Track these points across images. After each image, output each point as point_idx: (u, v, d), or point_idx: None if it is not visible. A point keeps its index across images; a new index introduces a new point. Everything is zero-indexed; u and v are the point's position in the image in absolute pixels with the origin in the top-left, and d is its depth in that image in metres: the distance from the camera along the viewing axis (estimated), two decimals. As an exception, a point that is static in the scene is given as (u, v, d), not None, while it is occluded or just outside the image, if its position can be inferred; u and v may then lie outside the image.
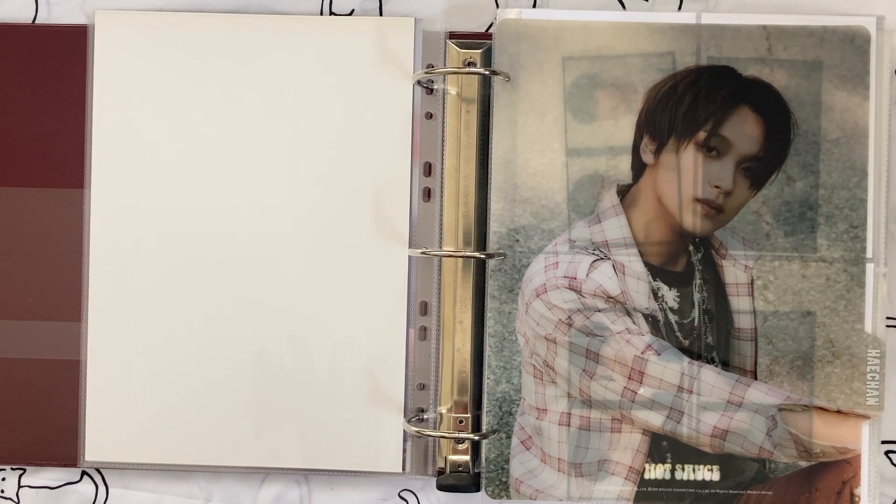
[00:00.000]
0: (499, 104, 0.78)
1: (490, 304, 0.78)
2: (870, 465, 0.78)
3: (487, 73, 0.78)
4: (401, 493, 0.81)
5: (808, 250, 0.78)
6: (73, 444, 0.80)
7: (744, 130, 0.77)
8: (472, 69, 0.78)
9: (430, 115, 0.80)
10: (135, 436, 0.80)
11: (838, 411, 0.78)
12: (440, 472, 0.79)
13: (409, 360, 0.80)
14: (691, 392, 0.77)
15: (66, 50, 0.80)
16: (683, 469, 0.78)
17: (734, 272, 0.78)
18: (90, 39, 0.80)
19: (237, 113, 0.80)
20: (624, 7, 0.80)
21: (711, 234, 0.78)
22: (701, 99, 0.78)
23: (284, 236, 0.79)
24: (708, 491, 0.78)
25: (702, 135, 0.78)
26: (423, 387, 0.80)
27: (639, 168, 0.78)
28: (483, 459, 0.79)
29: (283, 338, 0.79)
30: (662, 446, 0.78)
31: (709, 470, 0.78)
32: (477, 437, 0.78)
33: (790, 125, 0.78)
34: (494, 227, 0.78)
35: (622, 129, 0.78)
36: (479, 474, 0.79)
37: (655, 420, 0.78)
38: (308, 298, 0.79)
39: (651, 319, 0.78)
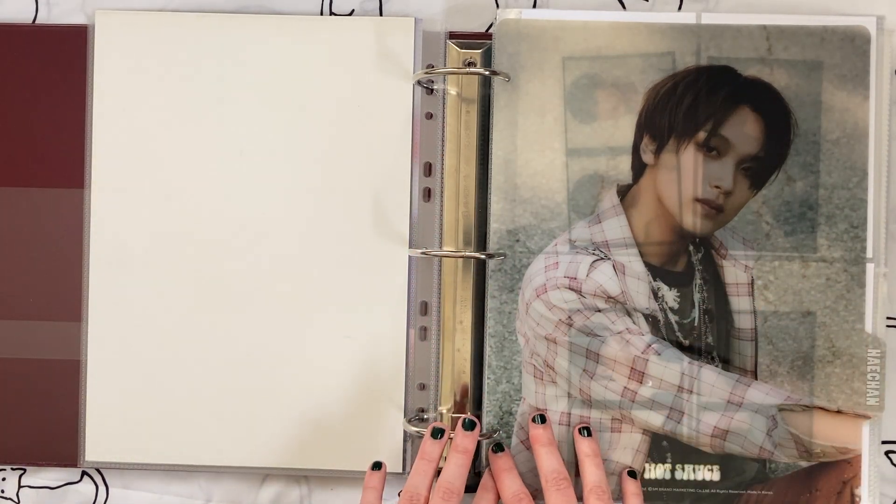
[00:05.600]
0: (499, 104, 0.78)
1: (490, 304, 0.78)
2: (870, 465, 0.78)
3: (487, 73, 0.78)
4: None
5: (808, 250, 0.78)
6: (73, 444, 0.80)
7: (744, 130, 0.77)
8: (472, 69, 0.78)
9: (430, 115, 0.80)
10: (135, 436, 0.80)
11: (838, 411, 0.78)
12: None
13: (409, 360, 0.80)
14: (691, 392, 0.77)
15: (66, 50, 0.80)
16: (683, 469, 0.78)
17: (734, 272, 0.78)
18: (90, 39, 0.80)
19: (237, 113, 0.80)
20: (624, 7, 0.80)
21: (711, 234, 0.78)
22: (701, 99, 0.78)
23: (284, 236, 0.79)
24: (708, 491, 0.78)
25: (702, 135, 0.77)
26: (423, 387, 0.80)
27: (639, 168, 0.78)
28: (483, 459, 0.79)
29: (283, 337, 0.79)
30: (662, 446, 0.78)
31: (709, 470, 0.78)
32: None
33: (790, 125, 0.78)
34: (494, 227, 0.78)
35: (622, 129, 0.78)
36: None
37: (655, 420, 0.78)
38: (308, 298, 0.79)
39: (651, 319, 0.78)
